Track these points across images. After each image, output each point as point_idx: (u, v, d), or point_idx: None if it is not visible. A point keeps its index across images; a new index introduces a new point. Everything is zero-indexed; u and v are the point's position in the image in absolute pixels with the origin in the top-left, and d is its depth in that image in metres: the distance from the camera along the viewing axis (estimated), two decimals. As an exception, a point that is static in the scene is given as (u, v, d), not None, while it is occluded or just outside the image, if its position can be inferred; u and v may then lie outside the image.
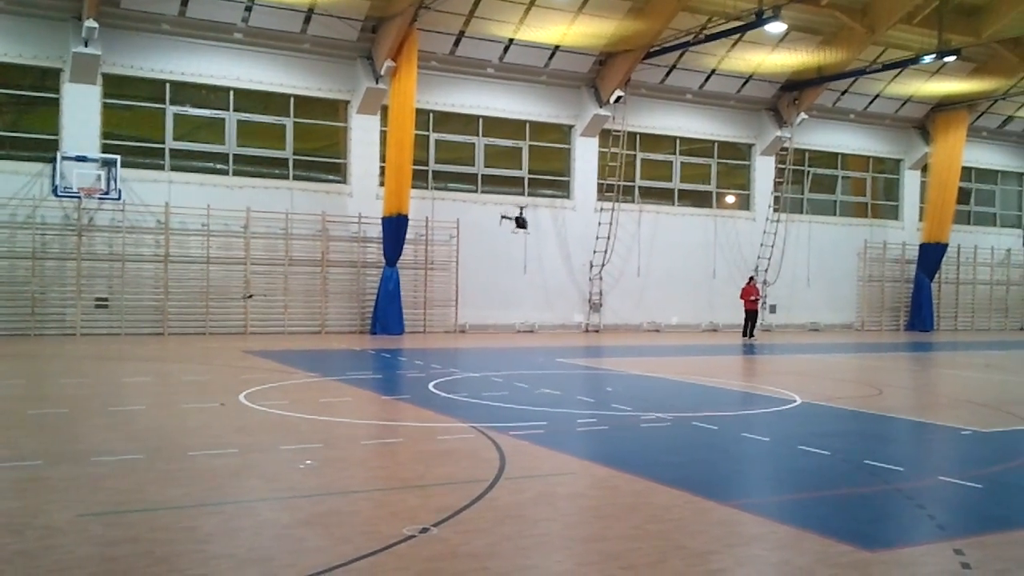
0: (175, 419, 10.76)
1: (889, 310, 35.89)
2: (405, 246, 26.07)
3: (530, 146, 29.31)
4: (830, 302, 34.46)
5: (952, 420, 12.08)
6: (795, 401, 13.23)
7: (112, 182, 22.98)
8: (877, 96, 33.99)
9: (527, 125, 29.13)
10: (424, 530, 6.15)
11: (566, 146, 29.94)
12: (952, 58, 28.11)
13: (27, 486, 7.27)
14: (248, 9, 24.37)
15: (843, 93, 33.51)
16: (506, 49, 27.69)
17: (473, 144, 28.54)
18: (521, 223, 27.45)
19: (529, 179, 29.27)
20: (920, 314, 35.24)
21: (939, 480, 8.24)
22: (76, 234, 23.09)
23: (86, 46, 22.57)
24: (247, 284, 24.67)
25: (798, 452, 9.38)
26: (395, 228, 25.59)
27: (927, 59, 28.22)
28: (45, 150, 23.01)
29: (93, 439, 9.44)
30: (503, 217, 27.52)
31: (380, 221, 25.94)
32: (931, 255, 34.92)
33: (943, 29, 27.34)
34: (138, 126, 24.73)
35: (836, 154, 35.01)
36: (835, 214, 35.09)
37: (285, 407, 11.61)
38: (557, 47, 27.97)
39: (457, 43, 27.05)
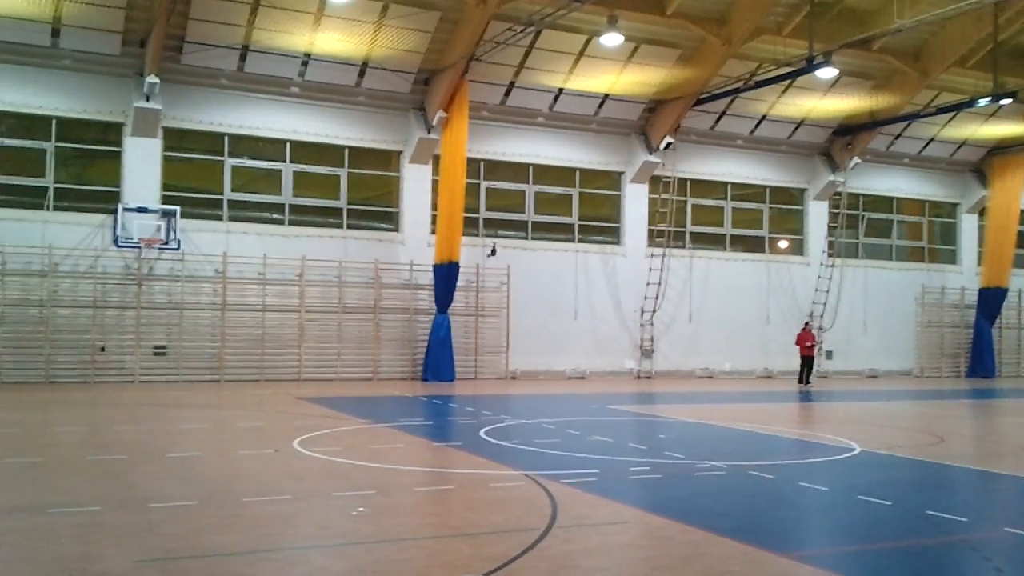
0: (230, 465, 10.87)
1: (949, 356, 35.12)
2: (456, 293, 26.22)
3: (580, 193, 29.40)
4: (888, 348, 33.83)
5: (1017, 469, 11.76)
6: (854, 449, 12.97)
7: (172, 232, 23.47)
8: (932, 140, 33.59)
9: (577, 172, 29.25)
10: (476, 579, 6.11)
11: (616, 192, 29.98)
12: (1008, 101, 27.70)
13: (85, 532, 7.37)
14: (304, 64, 24.93)
15: (897, 137, 33.19)
16: (556, 98, 27.92)
17: (524, 192, 28.72)
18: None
19: (579, 226, 29.33)
20: (981, 360, 34.43)
21: (1005, 531, 8.00)
22: (136, 283, 23.59)
23: (147, 101, 23.24)
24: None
25: (858, 502, 9.18)
26: (446, 275, 25.77)
27: (982, 102, 27.85)
28: (107, 202, 23.63)
29: (150, 485, 9.56)
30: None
31: (432, 268, 26.15)
32: (991, 300, 34.22)
33: (998, 72, 27.02)
34: (197, 178, 25.31)
35: (891, 198, 34.61)
36: (891, 258, 34.60)
37: (338, 453, 11.67)
38: (607, 95, 28.14)
39: (508, 93, 27.34)
